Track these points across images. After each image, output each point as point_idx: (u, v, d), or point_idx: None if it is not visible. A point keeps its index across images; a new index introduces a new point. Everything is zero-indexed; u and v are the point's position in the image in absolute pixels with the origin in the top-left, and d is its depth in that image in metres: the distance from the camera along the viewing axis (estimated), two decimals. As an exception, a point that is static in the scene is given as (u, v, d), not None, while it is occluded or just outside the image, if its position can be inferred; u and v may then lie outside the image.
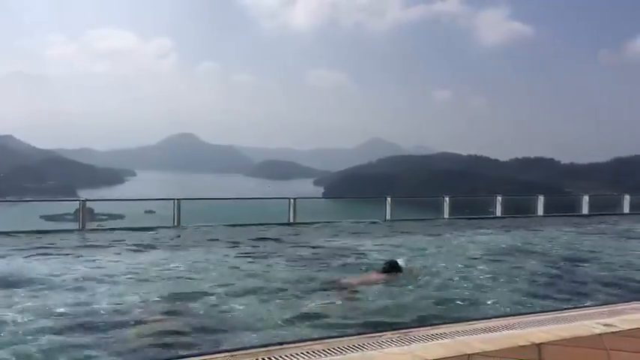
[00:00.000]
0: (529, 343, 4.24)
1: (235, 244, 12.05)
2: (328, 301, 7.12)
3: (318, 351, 4.06)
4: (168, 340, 5.52)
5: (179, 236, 13.67)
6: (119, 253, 10.63)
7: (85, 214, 14.60)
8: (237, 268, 9.33)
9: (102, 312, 6.48)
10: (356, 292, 7.72)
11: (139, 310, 6.54)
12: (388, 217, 17.87)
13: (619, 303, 6.02)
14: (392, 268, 8.56)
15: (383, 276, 8.41)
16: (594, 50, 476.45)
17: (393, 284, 8.10)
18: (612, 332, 4.59)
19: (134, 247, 11.37)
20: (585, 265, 10.32)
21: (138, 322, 6.06)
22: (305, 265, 9.76)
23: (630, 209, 21.58)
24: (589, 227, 16.79)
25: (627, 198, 21.96)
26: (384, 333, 4.58)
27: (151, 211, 21.70)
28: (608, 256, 11.32)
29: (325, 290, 7.70)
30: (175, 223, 15.05)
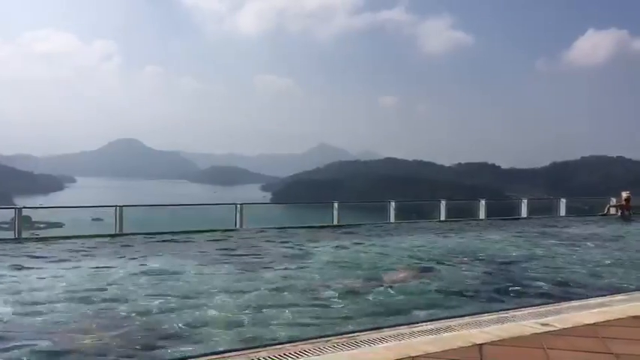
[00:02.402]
0: (470, 344, 4.34)
1: (159, 253, 11.82)
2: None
3: (262, 358, 4.02)
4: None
5: (115, 244, 13.16)
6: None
7: (21, 223, 14.02)
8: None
9: None
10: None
11: None
12: (335, 222, 17.97)
13: (555, 303, 6.25)
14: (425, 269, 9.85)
15: (415, 273, 9.44)
16: (532, 59, 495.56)
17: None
18: (549, 331, 4.75)
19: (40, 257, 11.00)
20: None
21: None
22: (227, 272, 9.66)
23: (566, 212, 22.50)
24: (515, 230, 17.21)
25: (563, 201, 22.90)
26: (330, 338, 4.58)
27: (98, 219, 20.99)
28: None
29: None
30: (117, 231, 14.63)
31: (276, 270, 9.74)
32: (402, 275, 9.34)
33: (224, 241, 13.95)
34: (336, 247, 12.94)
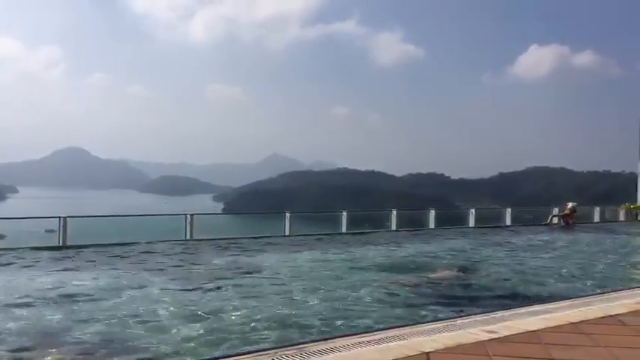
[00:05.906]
0: (419, 352, 4.39)
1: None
2: None
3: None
4: None
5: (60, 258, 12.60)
6: None
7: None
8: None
9: None
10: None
11: None
12: (287, 232, 17.90)
13: (501, 310, 6.39)
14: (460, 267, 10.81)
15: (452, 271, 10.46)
16: (478, 73, 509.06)
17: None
18: (494, 338, 4.86)
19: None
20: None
21: None
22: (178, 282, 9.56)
23: (512, 221, 23.14)
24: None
25: (509, 211, 23.56)
26: (279, 349, 4.55)
27: (52, 230, 20.28)
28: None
29: None
30: (61, 243, 14.15)
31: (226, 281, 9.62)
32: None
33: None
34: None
